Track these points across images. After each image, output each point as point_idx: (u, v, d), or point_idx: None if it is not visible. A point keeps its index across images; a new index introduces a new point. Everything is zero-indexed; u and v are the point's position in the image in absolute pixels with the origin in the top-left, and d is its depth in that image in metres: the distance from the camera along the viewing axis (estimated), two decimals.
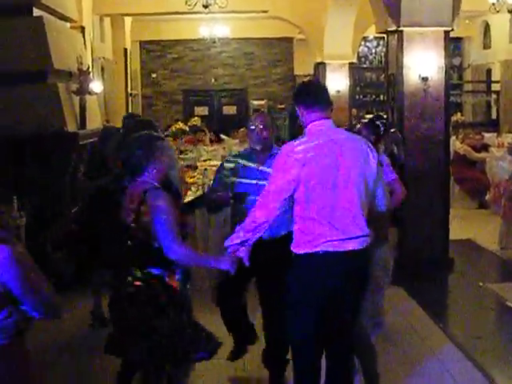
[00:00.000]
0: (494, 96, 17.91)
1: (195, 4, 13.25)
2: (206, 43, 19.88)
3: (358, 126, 6.51)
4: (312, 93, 4.10)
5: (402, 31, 8.16)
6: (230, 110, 21.33)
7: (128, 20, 17.55)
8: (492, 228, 9.99)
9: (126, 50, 17.38)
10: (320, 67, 15.77)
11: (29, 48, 7.80)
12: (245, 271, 4.09)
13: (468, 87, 19.36)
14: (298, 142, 3.95)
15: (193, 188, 7.97)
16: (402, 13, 8.04)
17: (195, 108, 21.27)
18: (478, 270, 8.65)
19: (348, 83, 15.82)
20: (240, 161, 5.00)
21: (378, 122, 6.12)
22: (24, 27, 7.90)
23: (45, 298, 2.89)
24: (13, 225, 5.82)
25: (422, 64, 8.18)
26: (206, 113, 21.08)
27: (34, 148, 7.47)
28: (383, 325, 5.89)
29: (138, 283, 3.85)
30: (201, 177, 8.36)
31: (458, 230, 9.55)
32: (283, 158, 3.91)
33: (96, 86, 9.59)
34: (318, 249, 3.88)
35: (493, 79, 18.00)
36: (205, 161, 10.52)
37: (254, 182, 4.82)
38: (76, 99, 8.38)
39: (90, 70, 9.19)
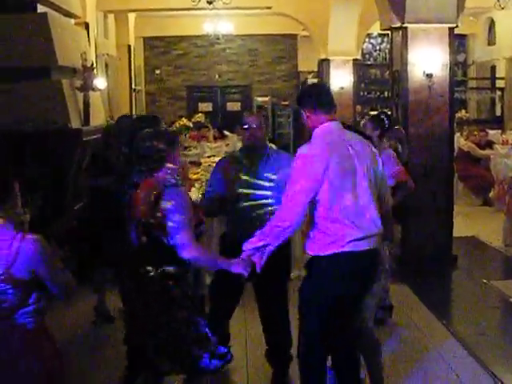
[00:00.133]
0: (498, 93, 17.88)
1: (199, 0, 13.23)
2: (210, 39, 19.86)
3: (363, 121, 6.55)
4: (317, 95, 4.10)
5: (406, 28, 8.14)
6: (233, 106, 21.30)
7: (132, 16, 17.54)
8: (496, 225, 9.98)
9: (129, 46, 17.37)
10: (324, 64, 15.75)
11: (33, 44, 7.81)
12: (237, 280, 4.07)
13: (472, 84, 19.32)
14: (313, 144, 3.93)
15: (196, 184, 7.96)
16: (406, 9, 8.03)
17: (199, 104, 21.25)
18: (481, 267, 8.64)
19: (352, 80, 15.80)
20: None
21: (382, 116, 6.17)
22: (28, 23, 7.91)
23: (66, 278, 3.14)
24: (17, 221, 5.82)
25: (427, 61, 8.16)
26: (210, 109, 21.06)
27: (38, 144, 7.48)
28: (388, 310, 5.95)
29: (152, 284, 3.80)
30: (204, 173, 8.36)
31: (461, 226, 9.54)
32: (304, 160, 3.87)
33: (100, 82, 9.59)
34: (344, 249, 3.90)
35: (497, 76, 17.96)
36: (209, 157, 10.52)
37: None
38: (80, 95, 8.39)
39: (94, 66, 9.19)
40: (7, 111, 7.56)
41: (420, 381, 5.24)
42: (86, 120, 8.40)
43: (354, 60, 15.62)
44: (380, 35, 19.44)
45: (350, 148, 3.96)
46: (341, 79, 15.50)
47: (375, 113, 6.82)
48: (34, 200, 6.70)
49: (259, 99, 21.16)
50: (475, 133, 13.17)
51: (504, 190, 10.55)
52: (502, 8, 13.80)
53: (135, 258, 3.88)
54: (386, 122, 6.09)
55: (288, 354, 5.09)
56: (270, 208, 4.77)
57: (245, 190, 4.81)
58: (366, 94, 19.50)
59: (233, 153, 5.26)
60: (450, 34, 8.23)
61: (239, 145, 12.43)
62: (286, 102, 21.19)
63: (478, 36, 19.16)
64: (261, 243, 3.87)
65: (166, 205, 3.71)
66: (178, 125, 13.71)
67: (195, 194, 7.22)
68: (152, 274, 3.79)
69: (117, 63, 16.22)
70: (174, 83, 21.30)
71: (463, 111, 17.38)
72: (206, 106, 21.07)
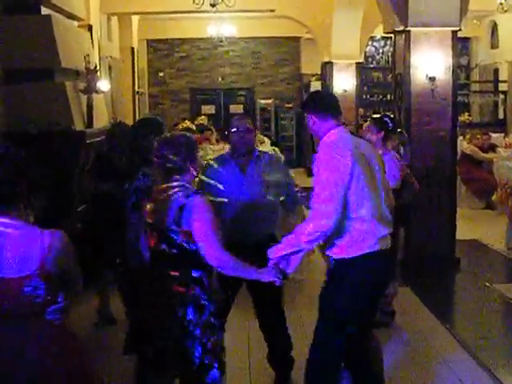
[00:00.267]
0: (501, 96, 17.85)
1: (202, 3, 13.24)
2: (214, 42, 19.88)
3: (366, 123, 6.57)
4: (325, 102, 4.13)
5: (409, 31, 8.15)
6: (236, 108, 21.31)
7: (135, 19, 17.55)
8: (499, 228, 9.97)
9: (133, 48, 17.38)
10: (327, 66, 15.76)
11: (36, 46, 7.82)
12: (233, 278, 4.03)
13: (475, 87, 19.31)
14: (335, 148, 3.93)
15: None
16: (409, 13, 8.04)
17: (202, 107, 21.27)
18: (484, 270, 8.63)
19: (355, 83, 15.81)
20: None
21: (386, 119, 6.20)
22: (32, 25, 7.92)
23: (80, 275, 3.22)
24: None
25: (430, 64, 8.17)
26: (213, 111, 21.08)
27: (41, 146, 7.48)
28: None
29: (180, 288, 3.75)
30: None
31: (464, 229, 9.54)
32: (330, 163, 3.87)
33: (103, 84, 9.60)
34: (374, 248, 3.95)
35: (500, 79, 17.94)
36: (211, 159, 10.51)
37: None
38: (83, 98, 8.40)
39: (98, 68, 9.21)
40: (10, 113, 7.58)
41: None
42: (90, 122, 8.41)
43: (357, 63, 15.63)
44: (383, 38, 19.43)
45: (364, 150, 4.03)
46: (344, 82, 15.52)
47: (378, 116, 6.84)
48: (37, 201, 6.71)
49: (262, 102, 21.18)
50: (478, 136, 13.16)
51: (507, 193, 10.53)
52: (506, 11, 13.80)
53: (154, 264, 3.85)
54: (390, 124, 6.11)
55: (289, 356, 5.09)
56: (261, 209, 4.80)
57: (236, 192, 4.81)
58: (368, 96, 19.49)
59: (222, 156, 5.25)
60: (452, 38, 8.24)
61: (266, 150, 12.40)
62: (290, 105, 21.21)
63: (481, 39, 19.15)
64: (292, 250, 3.86)
65: (191, 213, 3.65)
66: (180, 127, 13.70)
67: None
68: (177, 279, 3.74)
69: (120, 66, 16.24)
70: (177, 86, 21.32)
71: (466, 114, 17.37)
72: (209, 109, 21.09)
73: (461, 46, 18.08)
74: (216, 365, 3.80)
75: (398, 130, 7.07)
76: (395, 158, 6.05)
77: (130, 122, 14.78)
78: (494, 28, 18.38)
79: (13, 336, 2.93)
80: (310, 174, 17.15)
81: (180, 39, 20.83)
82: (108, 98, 12.58)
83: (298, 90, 21.37)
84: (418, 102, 8.23)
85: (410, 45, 8.17)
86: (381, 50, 20.07)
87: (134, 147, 5.03)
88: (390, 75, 18.31)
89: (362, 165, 3.90)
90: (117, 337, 5.12)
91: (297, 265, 3.91)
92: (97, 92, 8.79)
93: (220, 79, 21.39)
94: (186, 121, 15.21)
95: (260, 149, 5.39)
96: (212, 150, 11.97)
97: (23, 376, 2.91)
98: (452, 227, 8.46)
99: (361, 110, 17.12)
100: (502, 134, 14.95)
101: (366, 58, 18.72)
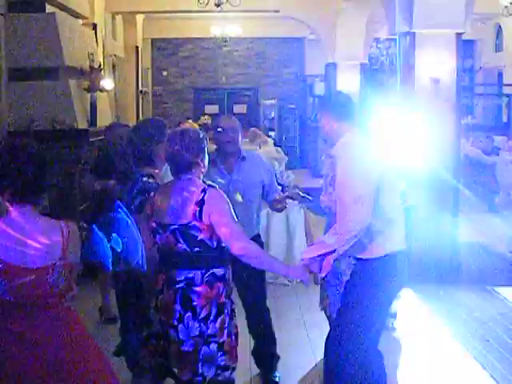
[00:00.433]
0: (505, 99, 17.84)
1: (207, 3, 13.24)
2: (218, 42, 19.89)
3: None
4: (343, 103, 4.15)
5: (414, 33, 8.14)
6: (240, 109, 21.33)
7: (140, 18, 17.57)
8: (501, 231, 9.96)
9: (137, 47, 17.40)
10: (331, 67, 15.75)
11: (41, 44, 7.84)
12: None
13: (479, 90, 19.30)
14: (358, 148, 3.97)
15: None
16: (414, 14, 8.02)
17: (206, 106, 21.28)
18: (486, 273, 8.62)
19: (359, 84, 15.78)
20: None
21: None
22: (37, 24, 7.93)
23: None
24: None
25: (434, 66, 8.15)
26: (217, 111, 21.08)
27: (45, 144, 7.49)
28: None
29: (200, 288, 3.70)
30: None
31: (467, 232, 9.52)
32: (358, 164, 3.89)
33: (107, 83, 9.61)
34: (397, 247, 4.03)
35: (504, 82, 17.93)
36: None
37: None
38: (87, 96, 8.41)
39: (102, 67, 9.21)
40: (15, 110, 7.58)
41: None
42: (93, 121, 8.41)
43: (361, 64, 15.62)
44: (387, 39, 19.42)
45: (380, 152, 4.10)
46: (348, 83, 15.49)
47: None
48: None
49: (266, 102, 21.18)
50: (481, 139, 13.16)
51: (509, 197, 10.53)
52: (510, 14, 13.80)
53: (170, 263, 3.77)
54: None
55: (274, 352, 5.13)
56: (248, 209, 4.84)
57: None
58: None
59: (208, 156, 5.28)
60: (457, 40, 8.22)
61: (244, 147, 12.33)
62: (293, 106, 21.21)
63: (486, 42, 19.14)
64: (324, 251, 3.85)
65: (210, 207, 3.63)
66: (183, 127, 13.71)
67: None
68: (199, 277, 3.69)
69: (124, 64, 16.26)
70: (181, 85, 21.34)
71: (469, 117, 17.36)
72: (212, 109, 21.08)
73: (465, 48, 18.03)
74: (234, 366, 3.80)
75: None
76: None
77: (133, 120, 14.82)
78: (499, 31, 18.37)
79: (38, 324, 2.99)
80: (314, 174, 17.15)
81: (184, 39, 20.84)
82: (111, 96, 12.59)
83: (301, 91, 21.37)
84: (421, 104, 8.22)
85: (414, 46, 8.16)
86: (385, 52, 20.06)
87: (136, 149, 5.02)
88: (394, 77, 18.30)
89: (383, 168, 3.95)
90: (119, 335, 5.11)
91: (329, 269, 3.90)
92: (100, 91, 8.80)
93: (224, 79, 21.40)
94: (190, 120, 15.22)
95: (246, 148, 5.41)
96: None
97: (47, 363, 2.97)
98: (455, 230, 8.45)
99: None
100: (506, 138, 14.94)
101: (369, 59, 18.72)
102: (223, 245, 3.71)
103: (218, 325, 3.71)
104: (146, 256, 3.75)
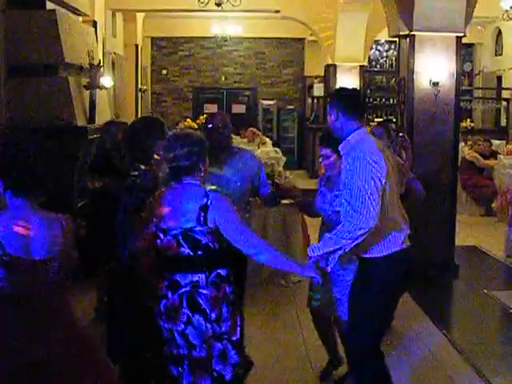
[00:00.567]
0: (504, 103, 17.85)
1: (207, 2, 13.24)
2: (218, 41, 19.89)
3: (369, 127, 6.59)
4: (353, 101, 4.16)
5: (414, 35, 8.14)
6: (239, 108, 21.32)
7: (140, 16, 17.56)
8: (498, 235, 9.97)
9: (137, 45, 17.40)
10: (330, 69, 15.74)
11: (41, 41, 7.81)
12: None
13: (478, 93, 19.31)
14: (366, 147, 3.97)
15: None
16: (414, 17, 8.03)
17: (205, 106, 21.26)
18: (483, 277, 8.63)
19: (358, 86, 15.78)
20: None
21: (388, 123, 6.25)
22: (36, 20, 7.91)
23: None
24: None
25: (434, 69, 8.16)
26: (216, 111, 21.07)
27: (43, 141, 7.47)
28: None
29: (207, 290, 3.67)
30: None
31: (464, 236, 9.54)
32: (366, 162, 3.89)
33: (106, 80, 9.60)
34: (403, 246, 4.09)
35: (503, 86, 17.94)
36: None
37: None
38: (86, 93, 8.39)
39: (101, 64, 9.20)
40: (14, 107, 7.57)
41: None
42: (92, 118, 8.40)
43: (360, 66, 15.62)
44: (387, 42, 19.44)
45: (385, 151, 4.12)
46: (347, 85, 15.41)
47: (380, 120, 6.86)
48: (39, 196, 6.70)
49: (265, 102, 21.18)
50: (479, 142, 13.17)
51: (507, 201, 10.54)
52: (511, 18, 13.79)
53: (173, 268, 3.72)
54: (392, 132, 6.19)
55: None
56: (239, 204, 4.83)
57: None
58: (371, 100, 19.48)
59: None
60: (457, 43, 8.23)
61: (242, 146, 12.30)
62: (292, 106, 21.21)
63: (485, 46, 19.15)
64: (332, 248, 3.87)
65: (216, 210, 3.61)
66: (182, 126, 13.71)
67: None
68: (204, 280, 3.67)
69: (124, 62, 16.24)
70: (181, 84, 21.32)
71: (468, 120, 17.37)
72: (211, 108, 21.06)
73: (465, 51, 18.06)
74: (246, 364, 3.83)
75: (400, 134, 7.08)
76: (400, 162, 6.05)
77: (131, 118, 14.80)
78: (499, 35, 18.38)
79: (39, 314, 3.04)
80: (311, 176, 17.16)
81: (184, 37, 20.83)
82: (111, 94, 12.58)
83: (300, 92, 21.37)
84: (420, 107, 8.23)
85: (414, 49, 8.17)
86: (385, 54, 20.07)
87: (134, 147, 5.01)
88: (393, 79, 18.31)
89: (388, 165, 3.97)
90: None
91: (335, 263, 3.94)
92: (100, 88, 8.78)
93: (223, 78, 21.39)
94: (188, 119, 15.20)
95: (240, 146, 5.43)
96: None
97: (48, 352, 3.00)
98: (451, 233, 8.45)
99: None
100: (504, 141, 14.96)
101: (369, 61, 18.73)
102: (225, 246, 3.70)
103: (230, 323, 3.70)
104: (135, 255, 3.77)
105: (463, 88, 16.16)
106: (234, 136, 14.29)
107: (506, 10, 13.49)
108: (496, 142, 14.10)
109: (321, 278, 3.79)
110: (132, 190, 4.13)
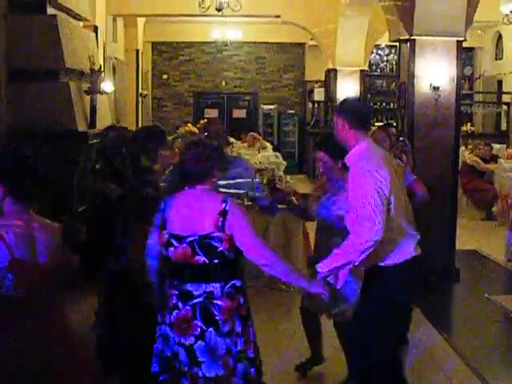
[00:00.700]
0: (504, 107, 17.86)
1: (208, 7, 13.26)
2: (218, 46, 19.93)
3: (373, 130, 6.58)
4: (361, 111, 4.17)
5: (414, 40, 8.15)
6: (239, 113, 21.34)
7: (141, 21, 17.60)
8: (499, 239, 9.96)
9: (137, 50, 17.43)
10: (331, 73, 15.76)
11: (41, 46, 7.82)
12: None
13: (479, 98, 19.32)
14: (370, 159, 3.97)
15: None
16: (415, 22, 8.03)
17: (205, 110, 21.28)
18: (483, 281, 8.62)
19: (359, 90, 15.80)
20: None
21: (389, 128, 6.25)
22: (37, 25, 7.92)
23: None
24: None
25: (434, 73, 8.17)
26: (216, 116, 21.08)
27: (44, 146, 7.48)
28: None
29: (221, 301, 3.61)
30: None
31: (464, 240, 9.53)
32: (371, 174, 3.88)
33: (107, 85, 9.61)
34: (412, 254, 4.10)
35: (504, 90, 17.95)
36: None
37: None
38: (87, 98, 8.40)
39: (102, 69, 9.21)
40: (14, 112, 7.58)
41: None
42: (93, 123, 8.41)
43: (361, 71, 15.63)
44: (387, 46, 19.46)
45: (391, 160, 4.17)
46: (347, 89, 15.49)
47: (381, 124, 6.87)
48: (40, 201, 6.70)
49: (265, 107, 21.20)
50: (480, 146, 13.17)
51: (507, 205, 10.54)
52: (511, 22, 13.81)
53: (186, 277, 3.64)
54: (392, 137, 6.19)
55: None
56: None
57: None
58: (371, 104, 19.50)
59: None
60: (458, 48, 8.23)
61: (243, 151, 12.34)
62: (292, 111, 21.23)
63: (486, 50, 19.17)
64: (341, 264, 3.85)
65: (232, 216, 3.59)
66: (183, 130, 13.70)
67: None
68: (219, 290, 3.61)
69: (124, 67, 16.27)
70: (181, 89, 21.35)
71: (468, 125, 17.38)
72: (212, 113, 21.09)
73: (465, 56, 18.09)
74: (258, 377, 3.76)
75: (401, 138, 7.08)
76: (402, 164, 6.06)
77: (132, 123, 14.82)
78: (499, 39, 18.40)
79: (39, 315, 3.10)
80: (312, 179, 17.15)
81: (185, 42, 20.88)
82: (111, 99, 12.59)
83: (301, 96, 21.39)
84: (421, 112, 8.23)
85: (414, 54, 8.17)
86: (385, 58, 20.09)
87: (137, 155, 5.01)
88: (394, 83, 18.33)
89: (393, 174, 3.97)
90: None
91: (344, 279, 3.91)
92: (100, 93, 8.79)
93: (224, 83, 21.41)
94: (189, 124, 15.19)
95: (235, 155, 5.48)
96: None
97: (49, 353, 3.06)
98: (452, 237, 8.45)
99: None
100: (504, 146, 14.96)
101: (370, 65, 18.75)
102: (239, 256, 3.66)
103: (244, 338, 3.66)
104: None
105: (464, 92, 16.18)
106: (234, 141, 14.37)
107: (507, 15, 13.50)
108: (496, 146, 14.12)
109: (329, 294, 3.78)
110: (132, 199, 4.13)
